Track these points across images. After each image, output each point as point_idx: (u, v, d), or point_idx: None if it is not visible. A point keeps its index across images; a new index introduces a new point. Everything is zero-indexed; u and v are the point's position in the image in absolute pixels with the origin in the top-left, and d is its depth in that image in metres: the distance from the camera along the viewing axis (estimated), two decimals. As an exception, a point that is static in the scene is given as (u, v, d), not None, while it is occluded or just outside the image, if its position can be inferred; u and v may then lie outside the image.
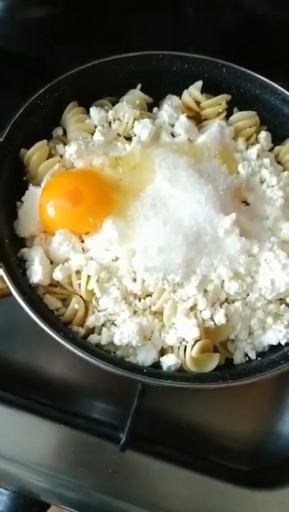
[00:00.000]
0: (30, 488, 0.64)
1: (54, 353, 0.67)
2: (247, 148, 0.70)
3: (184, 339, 0.56)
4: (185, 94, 0.72)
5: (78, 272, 0.58)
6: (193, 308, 0.57)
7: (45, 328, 0.53)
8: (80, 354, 0.52)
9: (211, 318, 0.57)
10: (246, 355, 0.59)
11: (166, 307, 0.56)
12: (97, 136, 0.66)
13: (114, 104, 0.72)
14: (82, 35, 0.84)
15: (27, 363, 0.69)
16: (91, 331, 0.57)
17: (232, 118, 0.72)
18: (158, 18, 0.89)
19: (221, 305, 0.58)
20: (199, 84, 0.72)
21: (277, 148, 0.72)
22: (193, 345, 0.55)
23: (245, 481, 0.61)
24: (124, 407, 0.64)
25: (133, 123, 0.68)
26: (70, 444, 0.64)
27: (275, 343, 0.59)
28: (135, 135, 0.68)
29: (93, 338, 0.57)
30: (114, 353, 0.57)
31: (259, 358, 0.58)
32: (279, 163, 0.71)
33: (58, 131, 0.69)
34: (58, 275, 0.57)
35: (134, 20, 0.87)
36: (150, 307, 0.57)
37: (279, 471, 0.62)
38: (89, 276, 0.57)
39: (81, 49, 0.83)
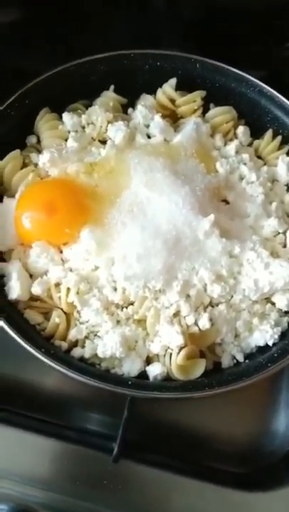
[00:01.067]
0: (27, 503, 0.63)
1: (44, 366, 0.66)
2: (225, 145, 0.69)
3: (168, 347, 0.55)
4: (159, 92, 0.70)
5: (58, 285, 0.57)
6: (176, 314, 0.56)
7: (25, 345, 0.52)
8: (62, 370, 0.51)
9: (196, 324, 0.56)
10: (234, 357, 0.58)
11: (148, 315, 0.55)
12: (71, 143, 0.64)
13: (88, 107, 0.70)
14: (49, 38, 0.82)
15: (18, 377, 0.68)
16: (74, 344, 0.56)
17: (208, 114, 0.70)
18: (126, 13, 0.87)
19: (204, 309, 0.57)
20: (173, 81, 0.70)
21: (256, 142, 0.70)
22: (178, 353, 0.54)
23: (242, 483, 0.60)
24: (117, 416, 0.62)
25: (107, 126, 0.66)
26: (64, 457, 0.63)
27: (262, 344, 0.58)
28: (110, 139, 0.66)
29: (76, 352, 0.56)
30: (100, 364, 0.56)
31: (247, 361, 0.57)
32: (259, 157, 0.70)
33: (32, 140, 0.67)
34: (36, 289, 0.56)
35: (100, 18, 0.85)
36: (133, 316, 0.56)
37: (274, 471, 0.61)
38: (68, 289, 0.56)
39: (49, 52, 0.81)
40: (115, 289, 0.57)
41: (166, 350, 0.56)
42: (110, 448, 0.61)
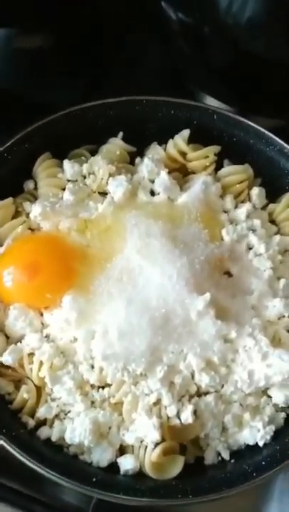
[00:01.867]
0: None
1: None
2: (236, 207, 0.63)
3: (143, 439, 0.49)
4: (170, 144, 0.65)
5: (31, 355, 0.52)
6: (156, 403, 0.50)
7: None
8: (22, 458, 0.46)
9: (177, 416, 0.50)
10: (219, 454, 0.52)
11: (125, 401, 0.50)
12: (67, 195, 0.60)
13: (92, 153, 0.66)
14: (66, 73, 0.79)
15: None
16: (42, 422, 0.52)
17: (221, 172, 0.64)
18: (149, 53, 0.84)
19: (189, 399, 0.51)
20: (186, 133, 0.65)
21: (271, 206, 0.64)
22: (154, 448, 0.48)
23: None
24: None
25: (108, 179, 0.62)
26: None
27: (251, 443, 0.51)
28: (109, 193, 0.62)
29: (43, 432, 0.51)
30: (68, 448, 0.51)
31: (233, 461, 0.51)
32: (273, 222, 0.64)
33: (30, 185, 0.63)
34: (7, 359, 0.52)
35: (124, 55, 0.82)
36: (109, 399, 0.51)
37: None
38: (41, 362, 0.51)
39: (63, 88, 0.78)
40: (92, 367, 0.51)
41: (141, 442, 0.50)
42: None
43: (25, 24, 0.85)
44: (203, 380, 0.50)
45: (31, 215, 0.59)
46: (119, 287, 0.53)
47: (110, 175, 0.62)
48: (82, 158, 0.65)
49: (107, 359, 0.50)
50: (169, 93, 0.68)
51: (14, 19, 0.83)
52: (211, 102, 0.76)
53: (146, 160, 0.63)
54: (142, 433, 0.49)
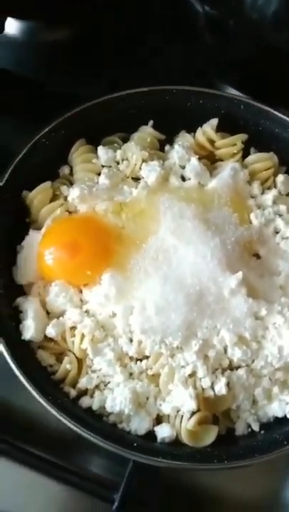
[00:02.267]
0: None
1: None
2: (262, 193, 0.65)
3: (180, 409, 0.52)
4: (199, 132, 0.68)
5: (73, 328, 0.55)
6: (192, 375, 0.53)
7: (32, 391, 0.50)
8: (67, 423, 0.49)
9: (211, 387, 0.53)
10: (249, 426, 0.55)
11: (162, 373, 0.53)
12: (103, 180, 0.63)
13: (124, 140, 0.69)
14: (95, 64, 0.82)
15: (25, 411, 0.66)
16: (83, 392, 0.54)
17: (248, 159, 0.67)
18: (172, 44, 0.86)
19: (222, 372, 0.54)
20: (214, 122, 0.68)
21: (296, 192, 0.67)
22: (190, 417, 0.51)
23: None
24: (120, 462, 0.60)
25: (141, 165, 0.64)
26: (64, 501, 0.61)
27: (280, 415, 0.54)
28: (143, 178, 0.64)
29: (85, 402, 0.54)
30: (107, 417, 0.54)
31: (263, 432, 0.54)
32: (298, 209, 0.67)
33: (65, 170, 0.66)
34: (50, 331, 0.55)
35: (147, 45, 0.84)
36: (146, 371, 0.54)
37: None
38: (83, 335, 0.54)
39: (92, 78, 0.81)
40: (131, 341, 0.54)
41: (177, 412, 0.53)
42: (111, 499, 0.59)
43: (48, 17, 0.88)
44: (236, 354, 0.53)
45: (69, 198, 0.62)
46: (155, 266, 0.56)
47: (143, 161, 0.65)
48: (115, 145, 0.68)
49: (146, 333, 0.53)
50: (192, 83, 0.71)
51: (37, 12, 0.86)
52: (232, 92, 0.78)
53: (176, 147, 0.66)
54: (179, 403, 0.52)
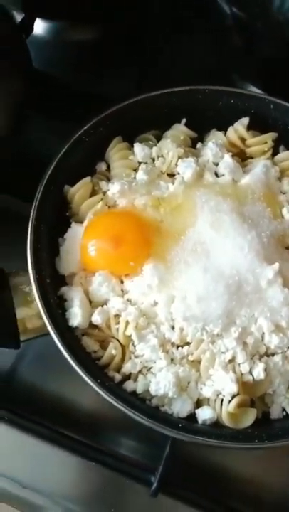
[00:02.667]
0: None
1: (84, 384, 0.67)
2: (292, 189, 0.68)
3: (220, 392, 0.55)
4: (230, 130, 0.70)
5: (116, 316, 0.58)
6: (231, 360, 0.56)
7: (81, 374, 0.53)
8: (115, 403, 0.52)
9: (250, 372, 0.56)
10: (284, 409, 0.58)
11: (203, 358, 0.56)
12: (141, 175, 0.65)
13: (157, 137, 0.71)
14: (125, 64, 0.85)
15: (58, 394, 0.69)
16: (127, 377, 0.57)
17: (277, 157, 0.70)
18: (198, 44, 0.89)
19: (260, 358, 0.57)
20: (245, 121, 0.70)
21: None
22: (230, 400, 0.54)
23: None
24: (156, 447, 0.64)
25: (177, 161, 0.67)
26: (100, 483, 0.64)
27: (314, 400, 0.57)
28: (178, 173, 0.67)
29: (129, 385, 0.56)
30: (150, 400, 0.57)
31: (297, 415, 0.57)
32: None
33: (102, 166, 0.69)
34: (96, 319, 0.58)
35: (171, 45, 0.87)
36: (187, 356, 0.57)
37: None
38: (127, 322, 0.57)
39: (123, 78, 0.83)
40: (173, 328, 0.57)
41: (217, 395, 0.55)
42: (148, 480, 0.62)
43: (73, 17, 0.90)
44: (273, 341, 0.56)
45: (109, 193, 0.64)
46: (195, 257, 0.58)
47: (178, 157, 0.67)
48: (150, 142, 0.70)
49: (187, 320, 0.55)
50: (217, 82, 0.74)
51: (64, 13, 0.89)
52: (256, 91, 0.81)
53: (210, 144, 0.68)
54: (220, 386, 0.55)
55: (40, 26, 0.91)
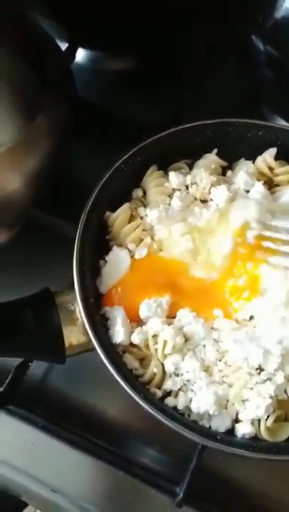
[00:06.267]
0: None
1: (114, 394, 0.68)
2: (317, 216, 0.72)
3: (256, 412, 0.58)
4: (259, 160, 0.75)
5: (155, 336, 0.61)
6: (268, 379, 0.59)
7: (126, 388, 0.56)
8: (159, 417, 0.55)
9: (285, 391, 0.59)
10: (316, 425, 0.60)
11: (236, 384, 0.58)
12: (176, 202, 0.69)
13: (189, 166, 0.76)
14: (156, 93, 0.89)
15: (89, 403, 0.72)
16: (168, 393, 0.60)
17: (303, 185, 0.74)
18: (233, 75, 0.94)
19: (294, 376, 0.60)
20: (273, 151, 0.75)
21: None
22: (267, 417, 0.57)
23: None
24: (181, 459, 0.66)
25: (210, 188, 0.71)
26: (126, 491, 0.67)
27: None
28: (211, 199, 0.71)
29: (170, 401, 0.59)
30: (189, 415, 0.60)
31: None
32: None
33: (138, 193, 0.73)
34: (135, 339, 0.61)
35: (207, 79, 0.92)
36: (226, 377, 0.59)
37: None
38: (165, 342, 0.60)
39: (154, 108, 0.88)
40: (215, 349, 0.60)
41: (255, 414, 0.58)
42: (172, 491, 0.65)
43: (112, 48, 0.96)
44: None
45: (148, 219, 0.69)
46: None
47: (211, 185, 0.72)
48: (183, 170, 0.75)
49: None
50: (247, 114, 0.79)
51: (99, 44, 0.95)
52: (283, 123, 0.86)
53: (241, 173, 0.73)
54: (255, 406, 0.57)
55: (81, 55, 0.97)
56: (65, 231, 0.72)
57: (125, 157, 0.71)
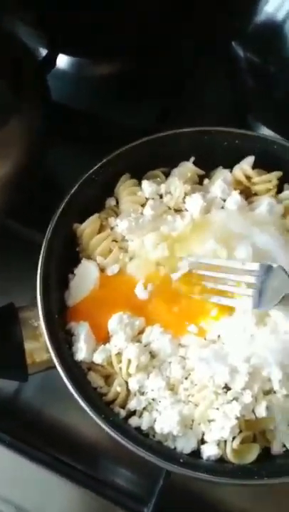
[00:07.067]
0: None
1: (84, 412, 0.63)
2: (296, 227, 0.70)
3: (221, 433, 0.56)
4: (236, 169, 0.73)
5: (119, 354, 0.59)
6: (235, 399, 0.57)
7: (86, 408, 0.54)
8: (118, 438, 0.53)
9: (252, 411, 0.56)
10: (284, 445, 0.58)
11: (202, 404, 0.56)
12: (148, 211, 0.68)
13: (165, 174, 0.74)
14: (136, 95, 0.88)
15: (59, 421, 0.70)
16: (132, 413, 0.58)
17: (282, 195, 0.72)
18: (216, 83, 0.92)
19: (263, 396, 0.57)
20: (251, 159, 0.73)
21: None
22: (234, 438, 0.55)
23: None
24: (151, 479, 0.64)
25: (184, 198, 0.69)
26: (95, 511, 0.65)
27: (315, 437, 0.57)
28: (186, 209, 0.69)
29: (134, 421, 0.57)
30: (154, 436, 0.58)
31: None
32: None
33: (111, 202, 0.71)
34: (97, 358, 0.59)
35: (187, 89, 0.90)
36: (192, 396, 0.57)
37: None
38: (129, 361, 0.58)
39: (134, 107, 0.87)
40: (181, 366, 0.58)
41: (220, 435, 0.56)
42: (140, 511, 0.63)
43: (93, 54, 0.95)
44: (276, 377, 0.56)
45: (118, 229, 0.67)
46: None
47: (185, 194, 0.70)
48: (158, 179, 0.73)
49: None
50: (229, 124, 0.76)
51: (82, 50, 0.93)
52: (267, 132, 0.84)
53: (219, 181, 0.70)
54: (221, 426, 0.55)
55: (63, 61, 0.95)
56: (39, 241, 0.69)
57: (95, 167, 0.69)
